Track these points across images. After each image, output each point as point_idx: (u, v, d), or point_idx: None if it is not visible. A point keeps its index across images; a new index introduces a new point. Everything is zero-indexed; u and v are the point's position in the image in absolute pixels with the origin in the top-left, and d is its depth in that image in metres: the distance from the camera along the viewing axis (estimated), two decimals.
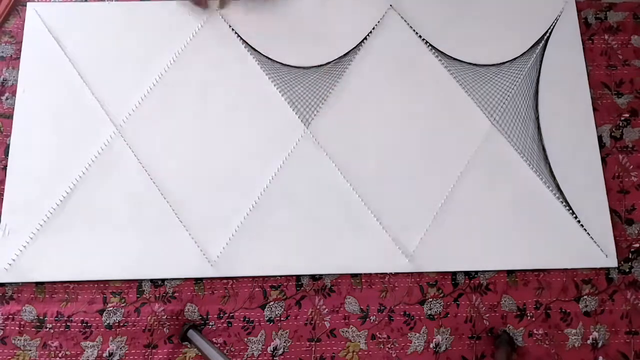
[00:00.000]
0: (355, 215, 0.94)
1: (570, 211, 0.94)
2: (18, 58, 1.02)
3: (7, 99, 0.99)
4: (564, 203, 0.94)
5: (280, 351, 0.88)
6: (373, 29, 1.04)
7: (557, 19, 1.05)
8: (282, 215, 0.94)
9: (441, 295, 0.91)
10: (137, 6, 1.06)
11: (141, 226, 0.93)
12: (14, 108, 0.99)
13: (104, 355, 0.88)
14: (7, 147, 0.97)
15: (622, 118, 1.00)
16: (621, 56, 1.04)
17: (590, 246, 0.93)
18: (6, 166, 0.96)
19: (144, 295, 0.90)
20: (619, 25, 1.06)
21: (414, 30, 1.04)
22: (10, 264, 0.91)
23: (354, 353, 0.89)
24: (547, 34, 1.04)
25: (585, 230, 0.93)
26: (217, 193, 0.95)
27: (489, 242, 0.93)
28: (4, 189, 0.94)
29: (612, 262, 0.92)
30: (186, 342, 0.88)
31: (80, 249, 0.92)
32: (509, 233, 0.93)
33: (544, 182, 0.95)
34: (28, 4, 1.05)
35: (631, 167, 0.98)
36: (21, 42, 1.03)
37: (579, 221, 0.94)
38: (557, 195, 0.95)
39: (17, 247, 0.91)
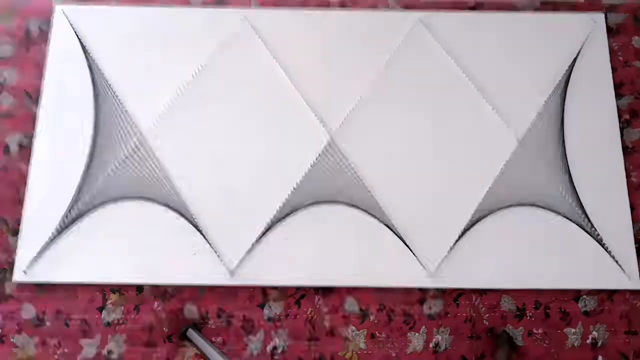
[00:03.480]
0: (378, 230, 0.93)
1: (597, 233, 0.93)
2: (17, 58, 1.02)
3: (5, 98, 1.00)
4: (588, 223, 0.93)
5: (280, 350, 0.88)
6: (400, 43, 1.03)
7: (586, 40, 1.04)
8: (303, 227, 0.93)
9: (441, 295, 0.91)
10: (168, 12, 1.06)
11: (155, 231, 0.93)
12: (14, 107, 0.99)
13: (103, 353, 0.88)
14: (7, 146, 0.96)
15: (622, 119, 1.00)
16: (622, 58, 1.04)
17: (615, 269, 0.92)
18: (6, 167, 0.96)
19: (143, 293, 0.90)
20: (619, 27, 1.06)
21: (441, 46, 1.03)
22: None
23: (354, 352, 0.88)
24: (576, 55, 1.03)
25: (610, 254, 0.92)
26: (238, 203, 0.94)
27: (511, 261, 0.92)
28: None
29: (635, 283, 0.91)
30: (185, 341, 0.88)
31: (85, 252, 0.91)
32: (534, 252, 0.92)
33: (569, 202, 0.94)
34: (56, 5, 1.05)
35: (631, 167, 0.98)
36: (20, 42, 1.03)
37: (604, 244, 0.93)
38: (582, 216, 0.94)
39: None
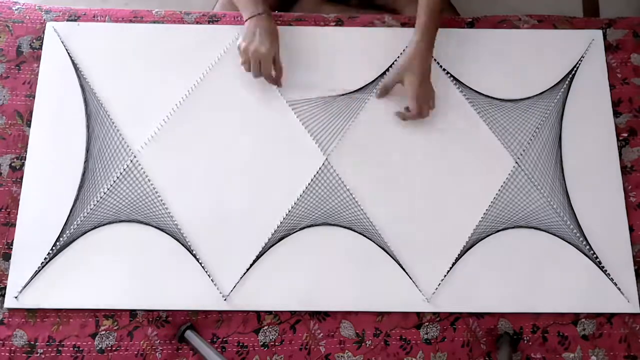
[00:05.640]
0: (374, 253, 0.92)
1: (595, 256, 0.92)
2: (8, 77, 1.00)
3: None
4: (587, 245, 0.92)
5: None
6: (394, 61, 1.02)
7: (584, 57, 1.02)
8: (298, 251, 0.92)
9: (438, 319, 0.90)
10: (161, 29, 1.04)
11: (149, 255, 0.91)
12: (6, 127, 0.98)
13: None
14: None
15: (621, 137, 0.99)
16: (620, 74, 1.02)
17: (614, 292, 0.91)
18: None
19: (137, 319, 0.89)
20: (618, 43, 1.04)
21: (438, 63, 1.02)
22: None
23: None
24: (574, 72, 1.01)
25: (609, 276, 0.91)
26: (232, 226, 0.93)
27: (509, 284, 0.91)
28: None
29: (634, 307, 0.90)
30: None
31: (77, 277, 0.90)
32: (532, 275, 0.91)
33: (567, 224, 0.93)
34: (47, 22, 1.03)
35: (630, 187, 0.96)
36: (11, 60, 1.01)
37: (602, 267, 0.91)
38: (581, 238, 0.93)
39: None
